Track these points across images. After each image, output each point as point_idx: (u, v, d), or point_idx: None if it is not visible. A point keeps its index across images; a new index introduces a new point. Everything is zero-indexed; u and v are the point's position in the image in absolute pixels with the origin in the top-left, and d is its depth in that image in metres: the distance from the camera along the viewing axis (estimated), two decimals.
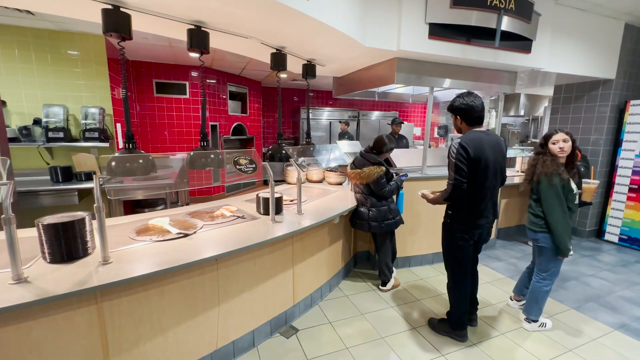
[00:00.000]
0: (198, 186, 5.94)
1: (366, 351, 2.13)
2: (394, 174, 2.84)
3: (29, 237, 1.72)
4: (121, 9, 1.70)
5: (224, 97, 6.30)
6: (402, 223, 2.90)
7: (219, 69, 6.02)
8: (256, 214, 2.40)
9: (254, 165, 2.15)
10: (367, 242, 3.50)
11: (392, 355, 2.11)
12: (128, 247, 1.71)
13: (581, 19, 3.63)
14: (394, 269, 2.99)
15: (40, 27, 3.55)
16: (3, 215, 1.24)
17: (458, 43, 2.87)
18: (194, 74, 5.73)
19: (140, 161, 1.79)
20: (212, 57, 5.09)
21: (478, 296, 2.41)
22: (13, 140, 3.36)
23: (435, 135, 8.01)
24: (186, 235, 1.89)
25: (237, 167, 2.07)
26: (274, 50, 2.56)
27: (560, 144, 2.13)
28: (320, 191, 3.38)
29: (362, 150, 2.87)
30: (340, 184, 3.66)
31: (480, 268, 2.64)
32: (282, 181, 3.91)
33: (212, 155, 2.11)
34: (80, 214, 1.59)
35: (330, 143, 7.81)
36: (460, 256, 2.14)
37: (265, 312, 2.21)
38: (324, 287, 2.77)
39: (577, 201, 2.20)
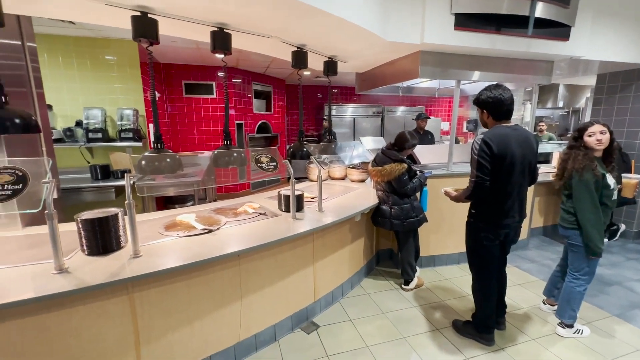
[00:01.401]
0: (224, 183, 6.14)
1: (386, 350, 2.12)
2: (417, 171, 2.78)
3: (71, 230, 1.87)
4: (149, 15, 1.78)
5: (249, 95, 6.44)
6: (426, 221, 2.83)
7: (244, 68, 6.15)
8: (278, 211, 2.45)
9: (274, 164, 2.19)
10: (390, 240, 3.45)
11: (413, 355, 2.08)
12: (157, 242, 1.81)
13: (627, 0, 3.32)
14: (417, 268, 2.93)
15: (81, 35, 3.81)
16: (46, 211, 1.35)
17: (487, 33, 2.73)
18: (220, 74, 5.90)
19: (168, 160, 1.88)
20: (237, 57, 5.21)
21: (507, 299, 2.31)
22: (58, 141, 3.65)
23: (465, 130, 7.70)
24: (210, 231, 1.96)
25: (259, 165, 2.11)
26: (295, 49, 2.58)
27: (598, 136, 1.98)
28: (342, 188, 3.37)
29: (383, 147, 2.82)
30: (363, 181, 3.63)
31: (510, 269, 2.52)
32: (305, 178, 3.94)
33: (234, 154, 2.17)
34: (113, 210, 1.70)
35: (354, 140, 7.75)
36: (485, 256, 2.05)
37: (287, 308, 2.25)
38: (345, 285, 2.77)
39: (614, 197, 2.03)
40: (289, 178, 2.24)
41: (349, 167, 3.74)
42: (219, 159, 2.14)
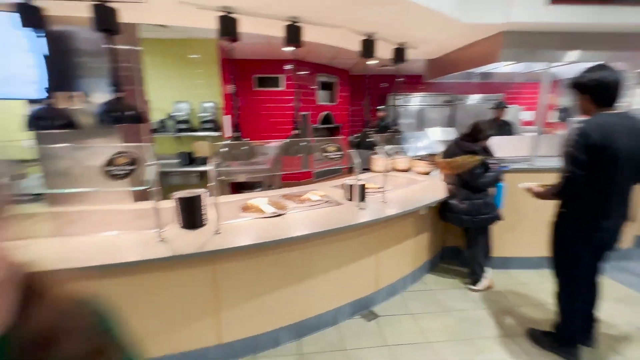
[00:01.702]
0: (290, 171, 6.43)
1: (450, 348, 2.04)
2: (492, 164, 2.55)
3: (165, 207, 2.18)
4: (230, 15, 1.95)
5: (315, 87, 6.58)
6: (500, 219, 2.60)
7: (311, 60, 6.29)
8: (341, 200, 2.50)
9: (340, 153, 2.23)
10: (458, 236, 3.25)
11: (480, 358, 1.96)
12: (234, 222, 2.01)
13: None
14: (488, 268, 2.73)
15: (172, 37, 4.32)
16: (151, 188, 1.61)
17: (592, 4, 2.34)
18: (288, 67, 6.13)
19: (245, 148, 2.07)
20: (305, 50, 5.35)
21: (602, 315, 2.01)
22: (154, 131, 4.24)
23: (554, 119, 6.75)
24: (280, 214, 2.10)
25: (325, 154, 2.18)
26: (364, 37, 2.56)
27: None
28: (407, 180, 3.28)
29: (456, 137, 2.65)
30: (429, 173, 3.47)
31: (608, 282, 2.20)
32: (367, 169, 3.92)
33: (303, 143, 2.28)
34: (200, 190, 1.94)
35: (420, 130, 7.40)
36: (574, 263, 1.81)
37: (348, 294, 2.31)
38: (408, 278, 2.72)
39: None
40: (350, 169, 2.27)
41: (414, 159, 3.60)
42: (289, 147, 2.26)
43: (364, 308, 2.42)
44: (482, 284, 2.68)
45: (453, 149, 2.55)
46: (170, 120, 4.33)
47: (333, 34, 2.54)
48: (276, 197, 2.55)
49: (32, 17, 1.74)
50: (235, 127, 2.10)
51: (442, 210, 2.72)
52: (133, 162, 1.63)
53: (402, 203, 2.43)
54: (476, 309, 2.45)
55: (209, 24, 2.25)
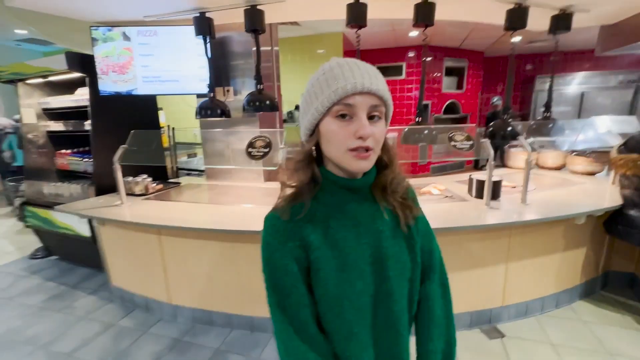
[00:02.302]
0: (405, 161, 6.17)
1: None
2: None
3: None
4: (360, 1, 1.94)
5: (439, 74, 6.04)
6: None
7: (437, 44, 5.78)
8: (466, 196, 2.22)
9: (471, 142, 1.96)
10: (633, 259, 2.44)
11: None
12: None
13: None
14: None
15: (303, 34, 4.70)
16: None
17: None
18: (411, 54, 5.81)
19: None
20: (431, 32, 4.94)
21: None
22: (284, 122, 4.76)
23: None
24: None
25: (452, 143, 1.96)
26: (511, 6, 2.14)
27: None
28: (557, 180, 2.65)
29: None
30: (593, 174, 2.70)
31: None
32: (499, 166, 3.36)
33: (425, 131, 2.11)
34: None
35: (580, 119, 5.86)
36: None
37: (465, 302, 2.05)
38: (548, 300, 2.22)
39: None
40: (475, 164, 1.96)
41: (571, 154, 2.87)
42: (409, 136, 2.14)
43: (485, 322, 2.11)
44: None
45: (637, 143, 1.90)
46: (297, 111, 4.77)
47: (472, 5, 2.23)
48: None
49: (203, 27, 2.17)
50: None
51: (611, 222, 2.08)
52: (268, 145, 1.85)
53: (548, 207, 1.97)
54: None
55: (338, 14, 2.32)
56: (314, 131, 0.62)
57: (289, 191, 0.65)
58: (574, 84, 6.05)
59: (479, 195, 2.14)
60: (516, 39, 2.36)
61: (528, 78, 6.87)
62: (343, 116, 0.58)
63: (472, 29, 4.80)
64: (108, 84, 2.47)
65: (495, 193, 2.08)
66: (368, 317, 0.65)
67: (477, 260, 1.98)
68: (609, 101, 5.92)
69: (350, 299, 0.62)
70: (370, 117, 0.59)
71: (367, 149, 0.59)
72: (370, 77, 0.58)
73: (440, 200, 2.14)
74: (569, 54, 6.64)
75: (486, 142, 1.95)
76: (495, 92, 7.28)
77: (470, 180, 2.21)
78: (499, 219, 1.82)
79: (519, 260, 2.05)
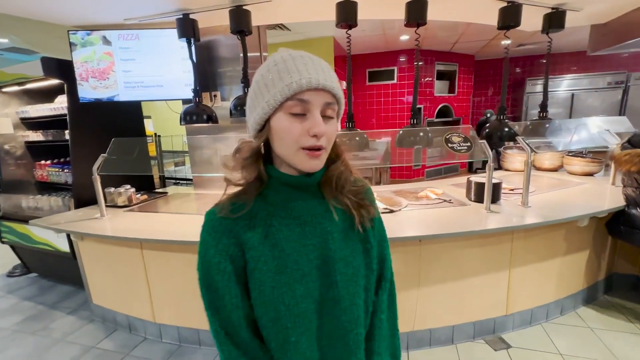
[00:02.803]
0: (399, 164, 6.13)
1: None
2: None
3: None
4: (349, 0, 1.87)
5: (431, 78, 6.04)
6: None
7: (428, 48, 5.78)
8: (465, 200, 2.13)
9: (468, 144, 1.88)
10: (637, 261, 2.38)
11: None
12: None
13: None
14: None
15: (292, 39, 4.64)
16: None
17: None
18: (402, 58, 5.80)
19: (357, 138, 1.97)
20: (422, 36, 4.94)
21: None
22: None
23: None
24: (392, 211, 1.93)
25: (449, 145, 1.88)
26: (504, 4, 2.09)
27: None
28: (555, 182, 2.59)
29: None
30: (591, 174, 2.65)
31: None
32: (496, 168, 3.30)
33: (421, 133, 2.03)
34: None
35: (570, 120, 5.89)
36: None
37: (469, 312, 1.95)
38: (553, 307, 2.13)
39: None
40: (469, 167, 1.88)
41: (567, 155, 2.82)
42: (404, 138, 2.05)
43: (489, 332, 2.01)
44: None
45: None
46: None
47: (463, 5, 2.18)
48: (387, 193, 2.38)
49: (187, 29, 2.08)
50: (349, 117, 2.03)
51: (614, 223, 2.01)
52: None
53: (550, 209, 1.90)
54: None
55: (328, 14, 2.25)
56: (264, 127, 0.58)
57: (234, 189, 0.61)
58: (564, 86, 6.09)
59: (478, 198, 2.05)
60: (506, 42, 2.31)
61: (518, 81, 6.92)
62: (296, 112, 0.55)
63: (463, 32, 4.80)
64: (88, 91, 2.35)
65: (495, 196, 2.00)
66: (312, 326, 0.60)
67: (478, 267, 1.89)
68: (599, 102, 5.97)
69: (287, 304, 0.57)
70: (323, 116, 0.57)
71: (319, 148, 0.56)
72: (324, 73, 0.55)
73: (439, 205, 2.05)
74: (559, 55, 6.71)
75: (484, 143, 1.87)
76: (486, 95, 7.31)
77: (469, 183, 2.13)
78: (501, 223, 1.73)
79: (522, 266, 1.96)
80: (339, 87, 0.58)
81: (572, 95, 6.08)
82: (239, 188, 0.62)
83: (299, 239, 0.60)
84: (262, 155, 0.61)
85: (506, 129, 2.17)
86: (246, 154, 0.59)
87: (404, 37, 4.95)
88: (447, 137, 1.90)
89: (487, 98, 7.33)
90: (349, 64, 2.00)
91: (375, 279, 0.68)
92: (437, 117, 6.27)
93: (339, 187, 0.63)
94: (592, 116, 4.50)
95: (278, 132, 0.57)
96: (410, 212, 1.94)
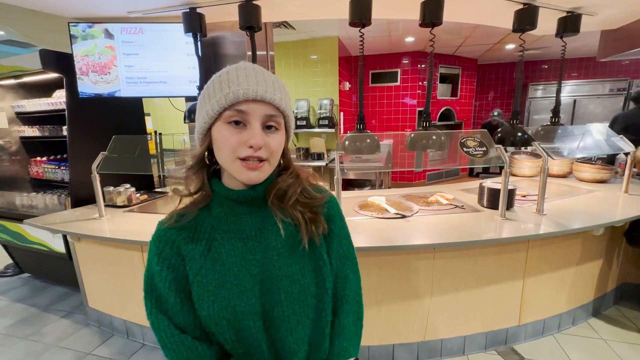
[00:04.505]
0: (400, 169, 6.08)
1: None
2: None
3: None
4: None
5: (433, 81, 6.00)
6: None
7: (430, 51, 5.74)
8: (477, 206, 2.08)
9: (484, 149, 1.83)
10: None
11: None
12: (353, 219, 1.88)
13: None
14: None
15: (297, 39, 4.57)
16: None
17: None
18: (405, 60, 5.76)
19: (368, 140, 1.91)
20: (426, 39, 4.90)
21: None
22: None
23: None
24: (404, 216, 1.86)
25: (464, 149, 1.82)
26: (520, 6, 2.05)
27: None
28: (565, 188, 2.54)
29: None
30: (601, 181, 2.61)
31: None
32: (491, 174, 3.26)
33: (434, 137, 1.97)
34: (320, 184, 1.88)
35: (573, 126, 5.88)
36: None
37: (481, 322, 1.89)
38: (565, 317, 2.08)
39: None
40: (470, 172, 1.83)
41: (577, 162, 2.78)
42: (416, 141, 1.99)
43: (501, 343, 1.95)
44: None
45: None
46: None
47: (479, 6, 2.13)
48: (396, 197, 2.31)
49: (194, 23, 2.00)
50: (360, 119, 1.96)
51: (634, 232, 1.97)
52: None
53: (564, 217, 1.84)
54: None
55: (338, 13, 2.19)
56: (206, 135, 0.59)
57: (186, 200, 0.61)
58: (566, 91, 6.10)
59: (491, 205, 2.00)
60: (509, 46, 2.26)
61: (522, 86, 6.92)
62: (237, 123, 0.56)
63: (467, 36, 4.77)
64: (88, 85, 2.26)
65: (510, 203, 1.95)
66: (260, 344, 0.59)
67: (493, 276, 1.83)
68: (601, 109, 5.98)
69: (228, 319, 0.57)
70: (268, 127, 0.57)
71: (260, 160, 0.56)
72: (266, 85, 0.56)
73: (451, 211, 1.99)
74: (557, 62, 6.73)
75: (500, 148, 1.82)
76: (488, 101, 7.30)
77: (482, 188, 2.08)
78: (518, 231, 1.67)
79: (536, 275, 1.91)
80: (284, 99, 0.58)
81: (574, 101, 6.09)
82: (191, 199, 0.61)
83: (241, 254, 0.59)
84: (207, 166, 0.62)
85: (519, 134, 2.12)
86: (191, 164, 0.60)
87: (409, 39, 4.91)
88: (462, 141, 1.84)
89: (488, 102, 7.33)
90: (361, 64, 1.93)
91: (329, 298, 0.64)
92: (439, 121, 6.24)
93: (286, 199, 0.62)
94: (593, 122, 4.49)
95: (217, 142, 0.57)
96: (422, 218, 1.88)
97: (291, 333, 0.59)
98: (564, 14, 2.24)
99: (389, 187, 4.67)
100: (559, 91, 2.43)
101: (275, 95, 0.56)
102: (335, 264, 0.67)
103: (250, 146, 0.55)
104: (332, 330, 0.65)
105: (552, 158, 1.91)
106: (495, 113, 6.02)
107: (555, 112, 2.40)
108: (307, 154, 4.41)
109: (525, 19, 2.05)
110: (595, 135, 2.83)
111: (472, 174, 6.62)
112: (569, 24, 2.23)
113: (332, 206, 0.69)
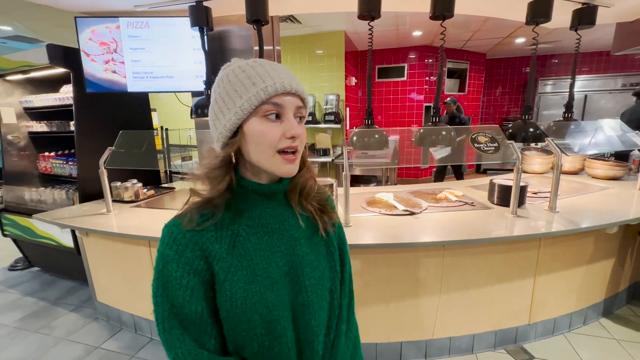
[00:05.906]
0: (407, 165, 6.03)
1: None
2: None
3: None
4: None
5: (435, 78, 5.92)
6: None
7: (439, 45, 5.65)
8: (487, 203, 2.04)
9: (495, 145, 1.79)
10: None
11: None
12: (361, 215, 1.86)
13: None
14: None
15: (303, 33, 4.52)
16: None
17: None
18: (412, 55, 5.69)
19: (377, 136, 1.88)
20: (435, 33, 4.82)
21: None
22: None
23: None
24: (412, 213, 1.84)
25: (476, 145, 1.78)
26: None
27: None
28: (577, 185, 2.49)
29: None
30: (615, 178, 2.55)
31: None
32: (498, 170, 3.20)
33: (443, 132, 1.93)
34: (329, 180, 1.86)
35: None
36: None
37: (490, 320, 1.87)
38: (576, 316, 2.05)
39: None
40: (477, 169, 1.79)
41: (590, 158, 2.72)
42: (425, 137, 1.95)
43: (510, 342, 1.92)
44: None
45: None
46: None
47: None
48: (404, 194, 2.29)
49: (200, 17, 1.98)
50: (369, 114, 1.93)
51: None
52: None
53: (577, 215, 1.80)
54: None
55: (345, 5, 2.15)
56: (236, 133, 0.57)
57: (198, 199, 0.59)
58: (577, 86, 5.97)
59: (502, 202, 1.96)
60: (520, 40, 2.20)
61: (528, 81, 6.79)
62: (277, 116, 0.56)
63: (477, 29, 4.68)
64: (94, 69, 2.23)
65: (521, 200, 1.91)
66: (286, 334, 0.60)
67: (503, 274, 1.80)
68: (612, 104, 5.85)
69: (260, 313, 0.57)
70: (295, 118, 0.59)
71: (294, 152, 0.58)
72: (292, 78, 0.57)
73: (461, 208, 1.96)
74: (571, 56, 6.58)
75: (512, 144, 1.78)
76: (496, 96, 7.19)
77: (492, 185, 2.04)
78: (530, 229, 1.64)
79: (548, 274, 1.87)
80: (305, 91, 0.60)
81: (585, 96, 5.97)
82: (201, 198, 0.59)
83: (268, 247, 0.61)
84: (233, 165, 0.61)
85: (532, 129, 2.07)
86: (217, 164, 0.58)
87: (417, 33, 4.83)
88: (473, 137, 1.80)
89: (496, 97, 7.22)
90: (370, 58, 1.90)
91: (339, 281, 0.69)
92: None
93: (305, 194, 0.65)
94: (605, 118, 4.38)
95: (253, 137, 0.56)
96: (431, 215, 1.85)
97: (314, 317, 0.63)
98: (580, 6, 2.17)
99: (395, 184, 4.63)
100: (572, 85, 2.37)
101: (299, 87, 0.58)
102: (338, 249, 0.72)
103: (291, 137, 0.56)
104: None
105: (565, 154, 1.86)
106: (448, 99, 4.86)
107: (569, 107, 2.35)
108: (313, 150, 4.38)
109: (540, 11, 1.99)
110: (608, 131, 2.76)
111: (479, 170, 6.55)
112: (585, 15, 2.16)
113: (330, 201, 0.73)
